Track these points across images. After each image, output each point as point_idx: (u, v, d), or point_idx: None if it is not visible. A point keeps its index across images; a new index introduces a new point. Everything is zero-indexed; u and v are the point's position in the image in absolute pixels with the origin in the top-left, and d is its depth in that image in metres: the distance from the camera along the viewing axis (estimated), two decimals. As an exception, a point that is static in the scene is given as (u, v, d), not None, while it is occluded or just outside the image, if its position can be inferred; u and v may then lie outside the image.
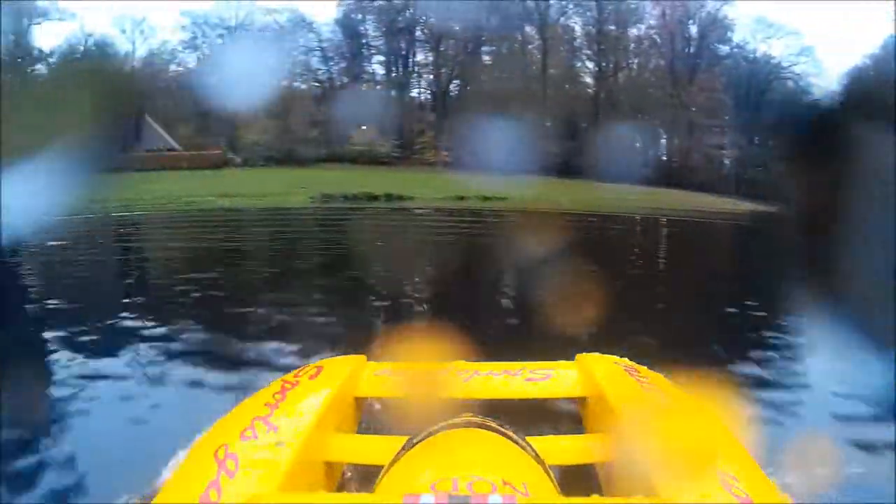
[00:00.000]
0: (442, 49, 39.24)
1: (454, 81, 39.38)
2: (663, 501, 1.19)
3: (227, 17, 39.03)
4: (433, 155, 36.54)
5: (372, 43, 40.03)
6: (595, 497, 1.17)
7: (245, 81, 38.59)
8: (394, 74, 40.15)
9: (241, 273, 7.80)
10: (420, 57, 40.05)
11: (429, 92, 39.98)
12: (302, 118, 37.39)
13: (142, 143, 33.91)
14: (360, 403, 1.97)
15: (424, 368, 1.89)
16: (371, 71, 40.55)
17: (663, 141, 39.72)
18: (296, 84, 39.83)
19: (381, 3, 39.46)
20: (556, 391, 1.97)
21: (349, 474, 1.79)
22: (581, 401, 1.97)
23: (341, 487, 1.70)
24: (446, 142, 36.43)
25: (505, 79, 38.70)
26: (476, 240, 13.06)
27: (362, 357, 2.09)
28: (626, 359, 2.03)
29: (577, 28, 39.19)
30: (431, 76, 39.75)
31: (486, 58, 39.27)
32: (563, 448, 1.64)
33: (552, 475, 1.25)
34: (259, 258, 9.25)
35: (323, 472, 1.61)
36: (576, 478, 1.63)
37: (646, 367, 1.95)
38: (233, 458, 1.34)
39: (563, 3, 38.44)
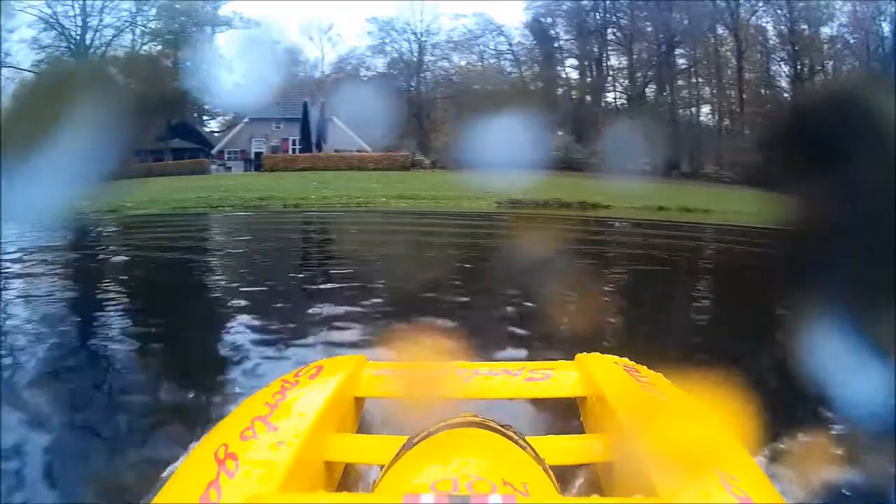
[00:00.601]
0: (636, 52, 38.52)
1: (649, 85, 38.64)
2: (663, 501, 1.19)
3: (413, 21, 39.49)
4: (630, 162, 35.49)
5: (563, 46, 39.68)
6: (595, 497, 1.19)
7: (435, 84, 38.92)
8: (588, 79, 39.68)
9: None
10: (614, 60, 39.43)
11: (624, 97, 39.27)
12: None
13: (330, 144, 34.54)
14: (360, 403, 1.99)
15: (424, 368, 1.91)
16: (565, 75, 40.20)
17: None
18: (488, 87, 39.89)
19: (570, 4, 39.07)
20: (556, 391, 1.96)
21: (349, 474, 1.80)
22: (581, 401, 1.97)
23: (341, 487, 1.71)
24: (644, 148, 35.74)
25: (701, 83, 37.82)
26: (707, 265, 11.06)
27: (362, 357, 2.09)
28: (625, 359, 2.02)
29: (770, 28, 37.81)
30: (626, 80, 39.08)
31: (681, 61, 38.36)
32: (563, 448, 1.63)
33: (552, 475, 1.27)
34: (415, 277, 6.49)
35: (323, 472, 1.62)
36: (576, 478, 1.64)
37: (646, 367, 1.94)
38: (233, 458, 1.36)
39: (753, 1, 37.15)
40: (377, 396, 2.01)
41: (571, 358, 2.08)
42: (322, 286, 6.46)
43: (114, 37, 35.40)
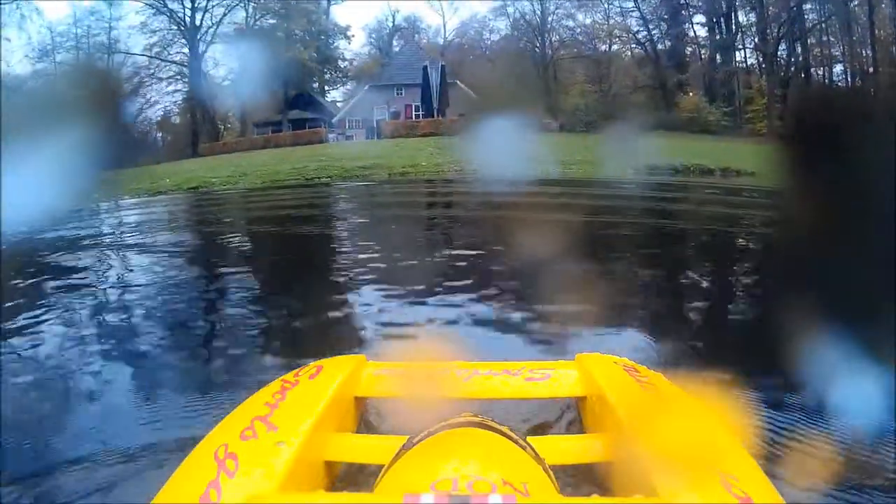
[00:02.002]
0: (765, 6, 37.20)
1: (781, 43, 37.42)
2: (663, 501, 1.19)
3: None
4: (765, 125, 34.53)
5: (691, 2, 38.75)
6: (595, 497, 1.20)
7: (560, 45, 38.58)
8: (717, 36, 38.70)
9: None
10: (742, 17, 38.22)
11: (755, 55, 38.19)
12: (624, 82, 36.76)
13: (454, 109, 34.39)
14: (360, 403, 1.99)
15: (424, 368, 1.90)
16: (693, 33, 39.27)
17: None
18: (615, 47, 39.34)
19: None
20: (556, 391, 1.96)
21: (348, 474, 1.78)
22: (581, 400, 1.97)
23: (341, 487, 1.70)
24: (779, 110, 34.66)
25: (832, 42, 36.40)
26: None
27: (362, 357, 2.10)
28: (625, 359, 2.02)
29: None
30: (756, 38, 37.94)
31: (812, 16, 36.93)
32: (563, 448, 1.63)
33: (552, 475, 1.27)
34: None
35: (323, 471, 1.63)
36: (576, 478, 1.63)
37: (645, 367, 1.93)
38: (232, 458, 1.37)
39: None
40: (377, 396, 2.02)
41: None
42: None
43: (224, 15, 36.16)
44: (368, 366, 2.06)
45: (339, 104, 38.36)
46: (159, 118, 37.45)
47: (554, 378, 1.98)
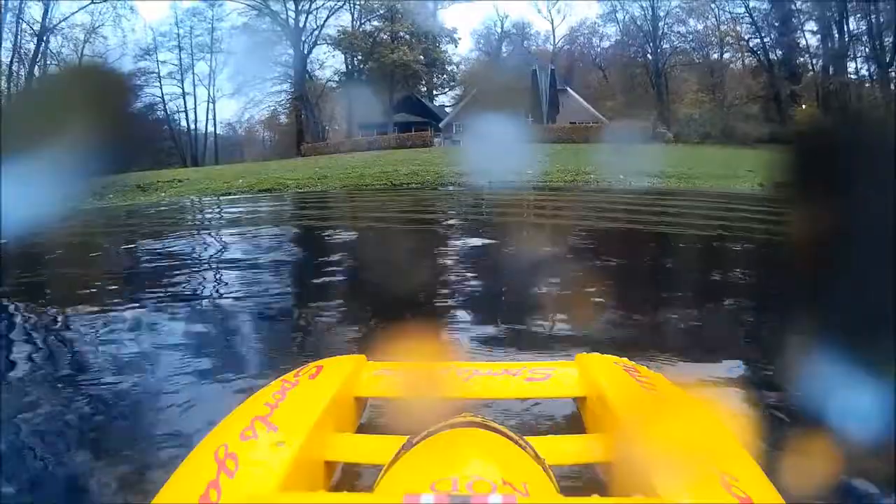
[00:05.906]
0: (878, 12, 36.01)
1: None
2: (663, 501, 1.19)
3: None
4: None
5: (801, 7, 37.82)
6: (595, 497, 1.19)
7: (672, 52, 38.17)
8: (829, 45, 37.74)
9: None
10: (853, 25, 37.13)
11: (867, 64, 37.02)
12: (738, 92, 36.19)
13: (564, 116, 34.11)
14: (360, 403, 2.00)
15: (424, 368, 1.91)
16: (805, 42, 38.31)
17: None
18: (727, 55, 38.74)
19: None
20: (556, 391, 1.96)
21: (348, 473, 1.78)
22: (581, 401, 1.95)
23: (341, 487, 1.70)
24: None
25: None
26: None
27: (362, 357, 2.11)
28: (625, 359, 2.00)
29: None
30: (868, 47, 36.75)
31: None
32: (563, 448, 1.62)
33: (552, 475, 1.27)
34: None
35: (323, 471, 1.64)
36: (576, 478, 1.63)
37: (646, 367, 1.92)
38: (232, 458, 1.38)
39: None
40: (377, 396, 2.03)
41: None
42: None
43: (328, 17, 36.64)
44: (368, 366, 2.07)
45: (447, 109, 38.51)
46: (265, 117, 38.21)
47: (554, 378, 1.98)
